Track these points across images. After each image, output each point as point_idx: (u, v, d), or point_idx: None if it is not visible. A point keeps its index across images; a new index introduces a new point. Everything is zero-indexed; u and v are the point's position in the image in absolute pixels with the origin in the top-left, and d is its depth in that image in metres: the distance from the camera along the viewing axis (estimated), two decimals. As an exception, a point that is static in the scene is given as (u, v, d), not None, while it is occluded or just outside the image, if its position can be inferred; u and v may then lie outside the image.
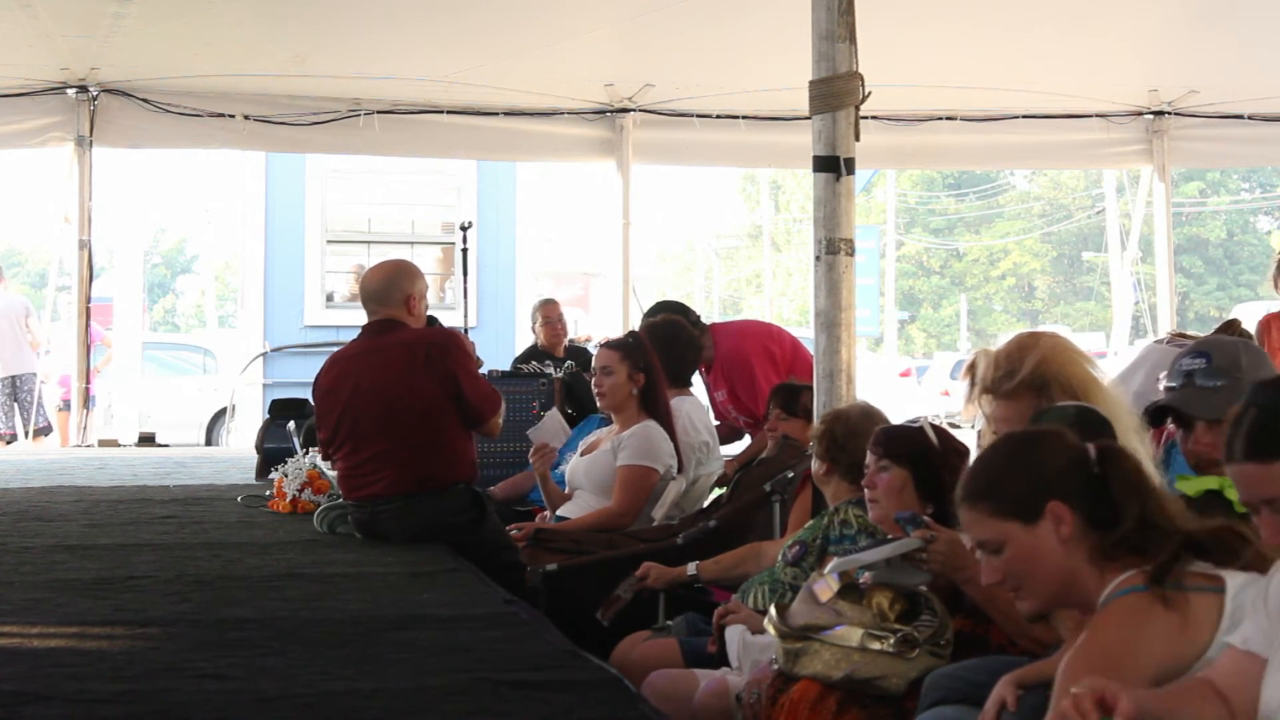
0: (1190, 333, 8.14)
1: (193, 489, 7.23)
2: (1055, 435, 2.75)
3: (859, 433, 4.29)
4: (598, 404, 6.09)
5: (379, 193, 15.23)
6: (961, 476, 2.76)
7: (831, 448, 4.36)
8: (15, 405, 12.64)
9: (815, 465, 4.45)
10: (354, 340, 5.40)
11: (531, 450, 6.04)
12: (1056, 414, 3.35)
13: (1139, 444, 3.41)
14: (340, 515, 5.46)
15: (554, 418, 6.36)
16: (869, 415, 4.42)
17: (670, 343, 6.42)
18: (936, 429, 3.97)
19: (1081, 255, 46.73)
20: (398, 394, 5.08)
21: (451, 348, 5.15)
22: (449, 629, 3.68)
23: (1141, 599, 2.48)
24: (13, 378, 12.69)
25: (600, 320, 14.98)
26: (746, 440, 7.20)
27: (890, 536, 3.71)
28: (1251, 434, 2.50)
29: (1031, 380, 3.58)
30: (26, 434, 12.40)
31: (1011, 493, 2.64)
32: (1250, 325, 8.25)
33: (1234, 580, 2.50)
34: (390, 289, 5.27)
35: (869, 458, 3.97)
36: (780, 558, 4.35)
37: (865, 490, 3.96)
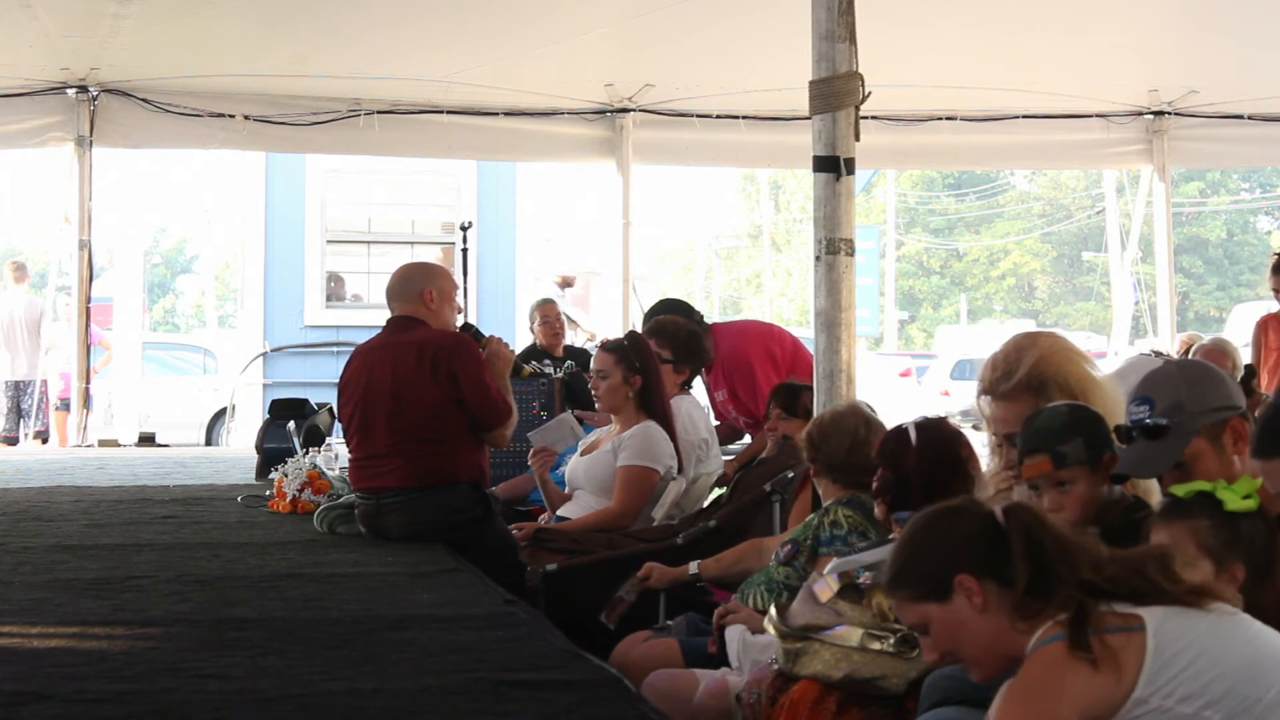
0: (1163, 350, 8.16)
1: (193, 489, 7.23)
2: (956, 509, 2.76)
3: (833, 433, 4.35)
4: (596, 406, 6.10)
5: (379, 193, 15.22)
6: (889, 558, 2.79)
7: (810, 448, 4.41)
8: (18, 410, 12.65)
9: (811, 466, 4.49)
10: (377, 334, 5.46)
11: (531, 453, 6.05)
12: (1049, 414, 3.35)
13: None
14: (340, 515, 5.48)
15: (565, 421, 6.36)
16: (846, 414, 4.44)
17: (676, 336, 6.50)
18: (929, 432, 3.95)
19: (1081, 255, 46.74)
20: (405, 392, 5.14)
21: (460, 352, 5.18)
22: (449, 629, 3.68)
23: (1060, 648, 2.51)
24: (17, 383, 12.69)
25: (601, 320, 14.99)
26: (747, 440, 7.21)
27: (891, 536, 3.72)
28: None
29: (1029, 380, 3.58)
30: (20, 439, 12.41)
31: (919, 576, 2.68)
32: (1245, 325, 8.29)
33: (1153, 616, 2.51)
34: (407, 284, 5.37)
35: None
36: (774, 557, 4.36)
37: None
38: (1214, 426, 3.13)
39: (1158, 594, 2.54)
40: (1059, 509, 3.26)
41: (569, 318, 11.76)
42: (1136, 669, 2.48)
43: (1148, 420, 3.16)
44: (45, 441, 12.66)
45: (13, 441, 12.33)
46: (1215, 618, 2.55)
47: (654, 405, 5.90)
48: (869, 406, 4.66)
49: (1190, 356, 7.17)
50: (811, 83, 5.20)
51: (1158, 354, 7.19)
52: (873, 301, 36.94)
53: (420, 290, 5.31)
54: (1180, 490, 2.97)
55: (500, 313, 14.28)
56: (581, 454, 6.02)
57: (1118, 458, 3.26)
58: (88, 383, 11.00)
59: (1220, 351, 7.45)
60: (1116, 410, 3.41)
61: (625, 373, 5.87)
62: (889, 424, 4.26)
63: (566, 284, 13.76)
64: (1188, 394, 3.16)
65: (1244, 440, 3.12)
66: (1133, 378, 5.80)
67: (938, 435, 3.96)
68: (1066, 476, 3.26)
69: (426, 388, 5.11)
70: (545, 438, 6.13)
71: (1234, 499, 2.88)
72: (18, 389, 12.72)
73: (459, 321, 5.57)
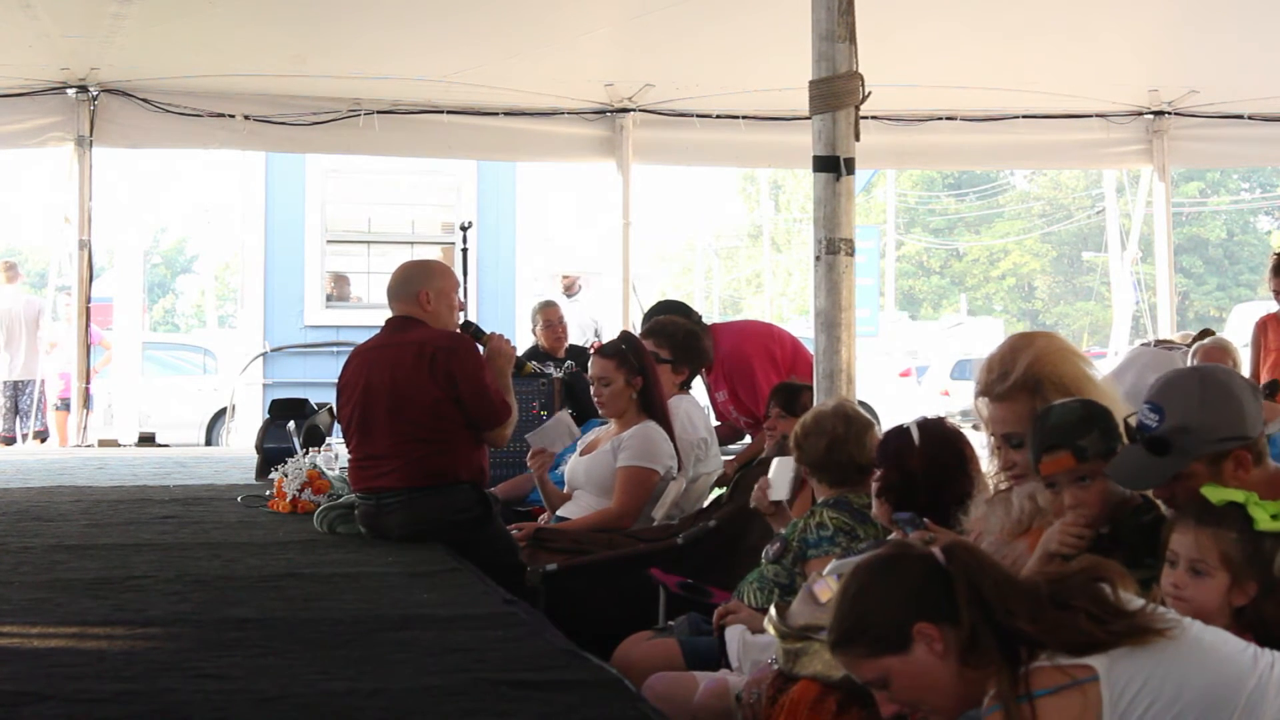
0: (1173, 339, 8.15)
1: (193, 489, 7.23)
2: (900, 556, 2.72)
3: (813, 431, 4.37)
4: (599, 412, 6.10)
5: (379, 193, 15.23)
6: (831, 619, 2.73)
7: (796, 448, 4.45)
8: (16, 410, 12.62)
9: None
10: (376, 334, 5.45)
11: (529, 454, 6.04)
12: (1062, 410, 3.34)
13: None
14: (340, 515, 5.48)
15: (561, 420, 6.37)
16: (827, 414, 4.46)
17: (675, 336, 6.51)
18: (931, 432, 3.95)
19: (1081, 255, 46.71)
20: (404, 392, 5.14)
21: (459, 352, 5.18)
22: (449, 629, 3.68)
23: (1062, 699, 2.47)
24: (15, 383, 12.67)
25: (600, 320, 15.05)
26: (747, 440, 7.21)
27: (892, 537, 3.72)
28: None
29: (1025, 381, 3.57)
30: (17, 439, 12.38)
31: (876, 630, 2.62)
32: (1245, 325, 8.28)
33: (1101, 662, 2.49)
34: (405, 284, 5.36)
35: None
36: (763, 555, 4.38)
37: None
38: (1215, 454, 3.11)
39: (1092, 644, 2.50)
40: (1079, 504, 3.25)
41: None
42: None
43: (1151, 434, 3.14)
44: (44, 440, 12.66)
45: (10, 441, 12.32)
46: (1164, 650, 2.51)
47: (653, 405, 5.90)
48: (863, 405, 4.67)
49: (1191, 354, 7.16)
50: (811, 83, 5.21)
51: (1160, 343, 7.19)
52: (873, 301, 36.89)
53: (417, 292, 5.30)
54: (1213, 496, 2.92)
55: (500, 313, 14.30)
56: (581, 454, 6.02)
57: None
58: (88, 383, 11.00)
59: (1221, 350, 7.45)
60: (1114, 409, 3.41)
61: (627, 375, 5.86)
62: (888, 424, 4.27)
63: (569, 290, 13.73)
64: (1199, 420, 3.11)
65: (1245, 468, 3.09)
66: (1131, 375, 5.75)
67: (940, 434, 3.96)
68: (1088, 471, 3.25)
69: (425, 387, 5.11)
70: (542, 438, 6.14)
71: (1264, 518, 2.85)
72: (15, 389, 12.71)
73: (460, 319, 5.56)
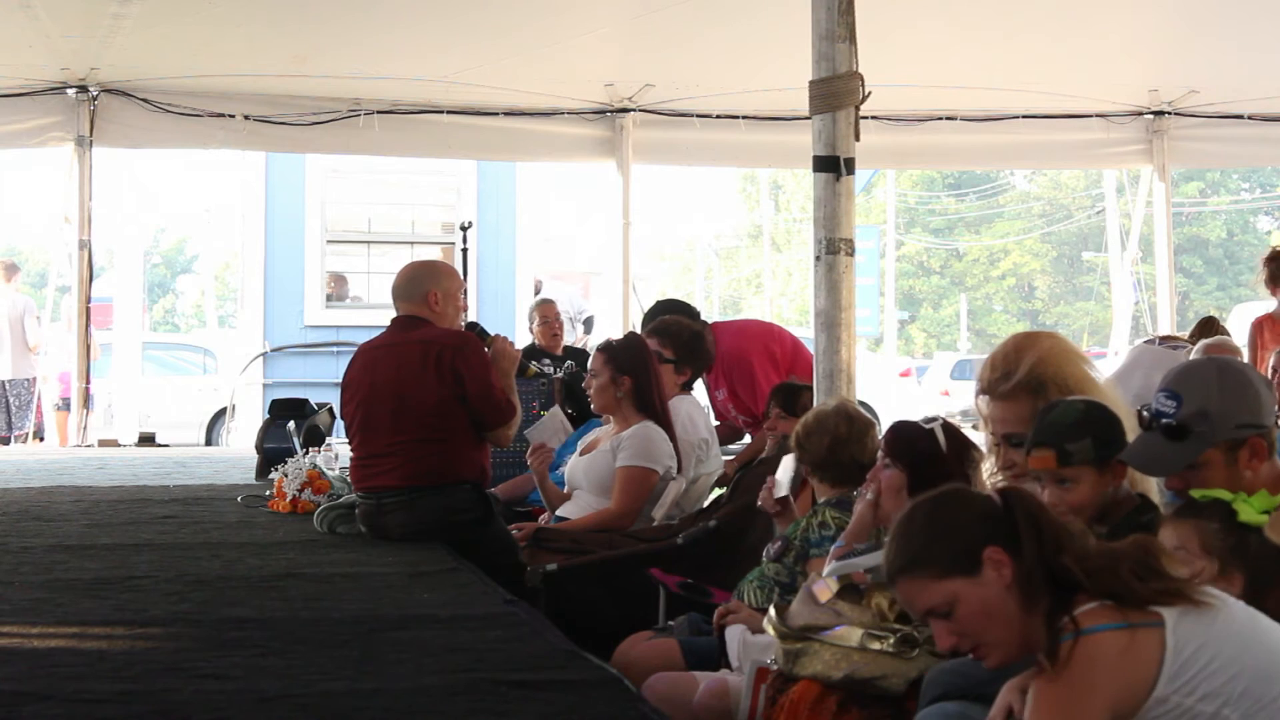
0: (1177, 335, 8.13)
1: (193, 489, 7.23)
2: (960, 491, 2.76)
3: (815, 431, 4.37)
4: (591, 405, 6.12)
5: (379, 193, 15.22)
6: (884, 559, 2.72)
7: (797, 448, 4.46)
8: (5, 409, 12.53)
9: None
10: (382, 333, 5.46)
11: (529, 450, 6.05)
12: (1064, 409, 3.34)
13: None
14: (340, 515, 5.48)
15: (555, 416, 6.38)
16: (829, 413, 4.46)
17: (680, 336, 6.52)
18: (952, 435, 3.96)
19: (1081, 255, 46.72)
20: (408, 390, 5.15)
21: (465, 350, 5.19)
22: (449, 629, 3.68)
23: (1118, 637, 2.49)
24: (4, 382, 12.59)
25: (600, 319, 15.06)
26: (747, 440, 7.22)
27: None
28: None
29: (1028, 381, 3.58)
30: (11, 439, 12.31)
31: (946, 551, 2.62)
32: (1245, 325, 8.26)
33: (1170, 615, 2.50)
34: (412, 285, 5.37)
35: (880, 452, 4.01)
36: (765, 554, 4.38)
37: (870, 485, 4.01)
38: (1232, 441, 3.12)
39: (1129, 594, 2.52)
40: (1058, 504, 3.26)
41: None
42: (1155, 669, 2.47)
43: (1169, 420, 3.15)
44: (41, 440, 12.61)
45: (3, 441, 12.25)
46: (1226, 618, 2.54)
47: (651, 405, 5.90)
48: (863, 405, 4.66)
49: (1196, 352, 7.15)
50: (811, 83, 5.21)
51: (1164, 340, 7.19)
52: (873, 301, 36.90)
53: (426, 292, 5.32)
54: (1198, 494, 2.96)
55: (500, 313, 14.29)
56: (581, 454, 6.03)
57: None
58: (88, 383, 10.99)
59: (1224, 349, 7.44)
60: (1116, 412, 3.41)
61: (613, 373, 5.88)
62: (886, 425, 4.27)
63: (536, 291, 13.76)
64: (1218, 406, 3.13)
65: (1260, 457, 3.11)
66: (1139, 376, 5.74)
67: (961, 438, 3.97)
68: (1070, 475, 3.26)
69: (430, 386, 5.12)
70: (538, 434, 6.15)
71: (1249, 511, 2.87)
72: (4, 389, 12.63)
73: (464, 320, 5.56)
